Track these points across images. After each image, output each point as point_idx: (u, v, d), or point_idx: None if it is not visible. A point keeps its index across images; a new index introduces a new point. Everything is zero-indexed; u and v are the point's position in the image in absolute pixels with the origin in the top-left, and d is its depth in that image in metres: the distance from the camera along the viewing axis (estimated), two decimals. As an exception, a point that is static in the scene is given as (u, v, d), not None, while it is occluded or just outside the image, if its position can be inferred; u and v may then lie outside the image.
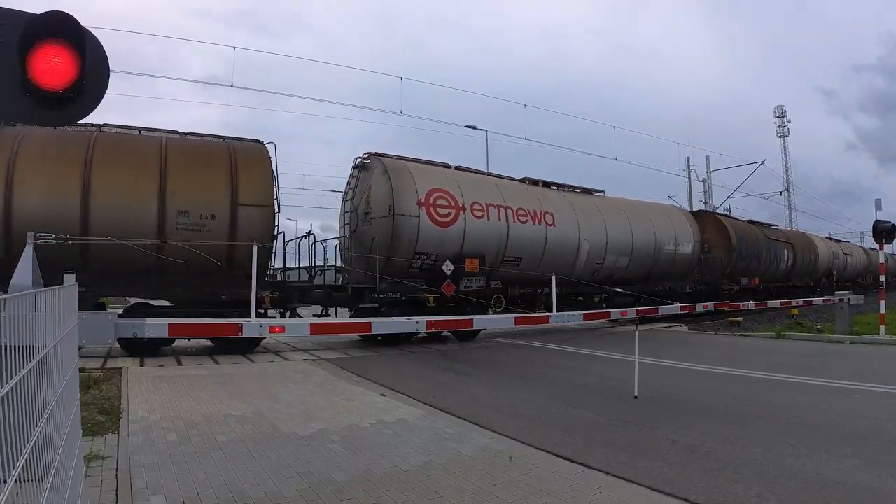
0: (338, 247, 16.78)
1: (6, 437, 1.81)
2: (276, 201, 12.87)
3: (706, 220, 25.33)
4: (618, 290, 18.71)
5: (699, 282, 23.66)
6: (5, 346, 1.97)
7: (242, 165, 12.54)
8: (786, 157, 58.93)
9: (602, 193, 20.81)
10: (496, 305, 15.86)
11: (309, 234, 16.05)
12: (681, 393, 8.61)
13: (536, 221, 16.82)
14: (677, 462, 5.24)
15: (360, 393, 8.48)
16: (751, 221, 29.49)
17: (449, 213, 14.91)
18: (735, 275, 25.12)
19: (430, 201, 14.62)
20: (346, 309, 15.11)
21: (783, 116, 60.50)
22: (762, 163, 43.07)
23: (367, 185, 15.14)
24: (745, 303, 23.48)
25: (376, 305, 14.60)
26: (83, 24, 2.89)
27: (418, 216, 14.35)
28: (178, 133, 13.10)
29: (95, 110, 3.07)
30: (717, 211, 34.03)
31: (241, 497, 4.26)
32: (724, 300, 23.15)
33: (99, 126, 12.13)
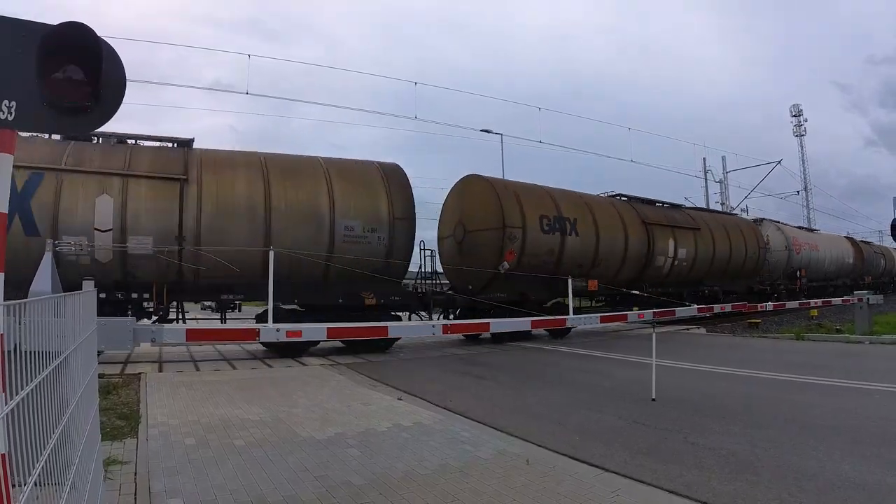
0: None
1: (24, 440, 1.84)
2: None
3: (851, 242, 37.99)
4: (831, 284, 33.43)
5: (848, 278, 36.22)
6: (25, 351, 2.00)
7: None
8: (803, 156, 58.08)
9: (819, 231, 37.12)
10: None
11: None
12: (699, 395, 8.52)
13: (813, 249, 30.75)
14: (696, 465, 5.18)
15: (377, 397, 8.49)
16: (864, 241, 42.49)
17: (798, 247, 28.84)
18: (862, 275, 38.12)
19: (795, 242, 28.84)
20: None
21: (799, 115, 59.29)
22: (779, 163, 42.78)
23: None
24: (763, 304, 24.23)
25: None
26: (98, 33, 2.92)
27: (788, 250, 28.14)
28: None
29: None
30: (734, 211, 37.50)
31: (259, 500, 4.28)
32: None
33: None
